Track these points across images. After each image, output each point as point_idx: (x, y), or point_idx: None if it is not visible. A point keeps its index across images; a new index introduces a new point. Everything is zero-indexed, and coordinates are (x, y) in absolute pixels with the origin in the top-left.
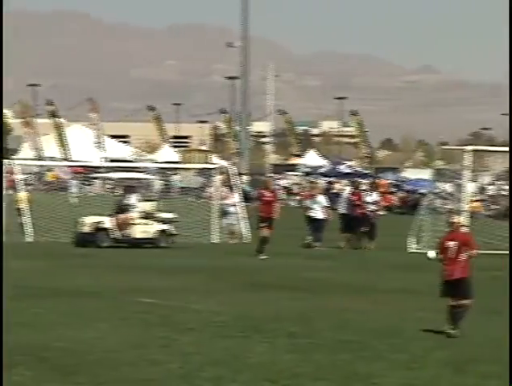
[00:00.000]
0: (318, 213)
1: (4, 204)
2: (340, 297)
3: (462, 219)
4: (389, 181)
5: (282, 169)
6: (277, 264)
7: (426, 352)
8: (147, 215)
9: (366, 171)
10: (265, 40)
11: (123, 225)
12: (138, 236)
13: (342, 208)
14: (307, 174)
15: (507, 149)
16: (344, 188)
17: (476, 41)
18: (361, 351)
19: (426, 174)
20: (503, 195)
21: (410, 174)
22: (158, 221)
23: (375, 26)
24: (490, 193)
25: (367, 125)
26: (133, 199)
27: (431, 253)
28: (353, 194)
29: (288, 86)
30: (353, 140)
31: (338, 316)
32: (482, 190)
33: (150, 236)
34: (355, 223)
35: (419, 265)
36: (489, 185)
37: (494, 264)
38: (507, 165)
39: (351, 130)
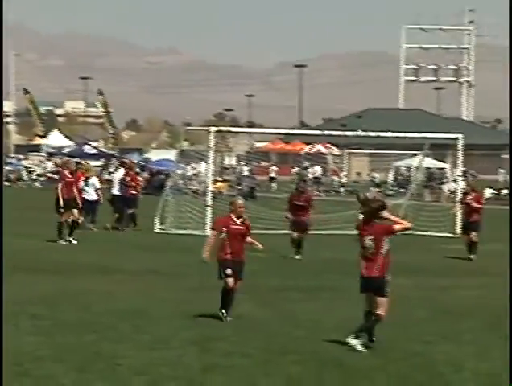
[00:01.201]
0: (91, 195)
1: None
2: (86, 279)
3: (240, 202)
4: (134, 162)
5: (25, 150)
6: (25, 247)
7: (170, 332)
8: None
9: (111, 152)
10: (6, 18)
11: None
12: None
13: (114, 189)
14: (51, 154)
15: (250, 130)
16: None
17: (218, 23)
18: (104, 332)
19: (171, 154)
20: (245, 176)
21: (154, 154)
22: None
23: (119, 7)
24: (235, 173)
25: (112, 106)
26: None
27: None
28: (126, 174)
29: (31, 65)
30: (98, 120)
31: (83, 298)
32: (226, 170)
33: None
34: (126, 203)
35: (164, 246)
36: (234, 166)
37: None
38: (250, 146)
39: (96, 111)
